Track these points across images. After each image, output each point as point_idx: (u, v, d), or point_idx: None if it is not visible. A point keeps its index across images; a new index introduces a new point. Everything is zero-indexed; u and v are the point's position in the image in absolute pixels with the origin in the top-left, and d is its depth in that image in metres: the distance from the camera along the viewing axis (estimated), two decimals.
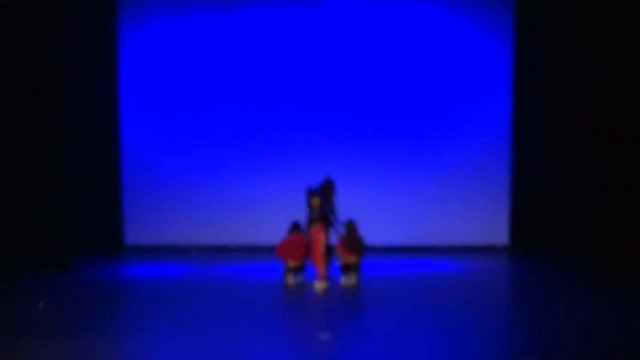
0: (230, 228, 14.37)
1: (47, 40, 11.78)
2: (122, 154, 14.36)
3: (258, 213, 14.12)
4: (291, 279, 10.65)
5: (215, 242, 14.46)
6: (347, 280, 10.71)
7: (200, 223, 14.38)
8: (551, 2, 13.47)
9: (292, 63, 14.30)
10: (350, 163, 14.12)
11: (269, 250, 13.60)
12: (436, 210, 14.28)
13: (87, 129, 13.70)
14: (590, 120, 11.94)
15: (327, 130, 14.32)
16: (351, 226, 10.81)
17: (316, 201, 10.81)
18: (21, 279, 10.97)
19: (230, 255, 13.90)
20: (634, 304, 9.49)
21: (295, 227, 10.91)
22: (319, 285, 10.41)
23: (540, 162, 13.86)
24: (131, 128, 14.39)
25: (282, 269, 10.87)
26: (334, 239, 11.05)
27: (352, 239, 10.72)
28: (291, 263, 10.66)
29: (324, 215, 10.85)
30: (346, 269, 10.75)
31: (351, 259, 10.73)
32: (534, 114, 13.85)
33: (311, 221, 10.89)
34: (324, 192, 10.92)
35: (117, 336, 8.01)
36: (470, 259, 13.22)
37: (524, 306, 9.71)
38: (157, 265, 12.67)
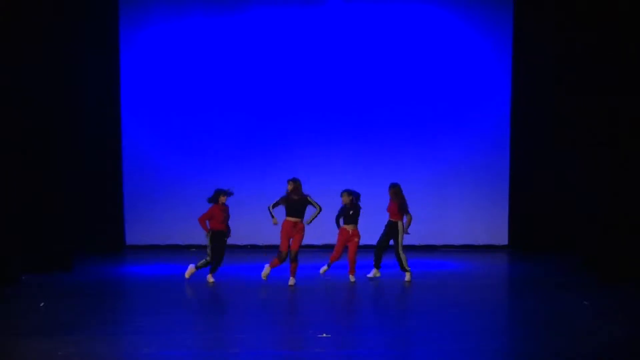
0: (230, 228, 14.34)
1: (47, 41, 11.76)
2: (123, 154, 14.37)
3: (258, 213, 14.07)
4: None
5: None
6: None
7: None
8: (551, 2, 13.46)
9: (292, 63, 14.31)
10: (350, 164, 14.13)
11: (269, 250, 13.65)
12: (436, 210, 14.28)
13: (88, 130, 13.70)
14: (589, 121, 11.93)
15: (327, 131, 14.34)
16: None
17: (347, 198, 10.94)
18: (23, 278, 10.99)
19: (230, 255, 13.88)
20: (632, 300, 9.50)
21: (218, 195, 10.85)
22: (352, 279, 10.95)
23: (539, 163, 13.85)
24: (131, 128, 14.40)
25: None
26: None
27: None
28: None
29: (355, 211, 10.98)
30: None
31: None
32: (534, 115, 13.85)
33: (346, 219, 10.99)
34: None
35: (118, 335, 8.02)
36: (470, 259, 13.23)
37: (523, 305, 9.72)
38: (158, 265, 12.68)
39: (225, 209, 10.87)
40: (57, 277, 11.34)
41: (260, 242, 14.21)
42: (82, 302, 9.72)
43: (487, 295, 10.21)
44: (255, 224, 13.99)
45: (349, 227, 11.02)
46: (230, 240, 14.31)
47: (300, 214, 10.66)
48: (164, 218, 14.39)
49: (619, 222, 10.99)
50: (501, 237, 14.33)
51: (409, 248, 14.10)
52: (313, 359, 7.24)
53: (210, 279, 10.85)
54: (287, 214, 10.72)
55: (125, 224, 14.49)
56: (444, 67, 14.22)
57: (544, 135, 13.80)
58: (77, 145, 13.14)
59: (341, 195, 11.03)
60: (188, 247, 14.45)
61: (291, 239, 10.66)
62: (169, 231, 14.43)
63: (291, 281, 10.71)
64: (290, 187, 10.67)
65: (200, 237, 14.38)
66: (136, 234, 14.49)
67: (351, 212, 11.00)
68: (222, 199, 10.79)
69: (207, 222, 10.84)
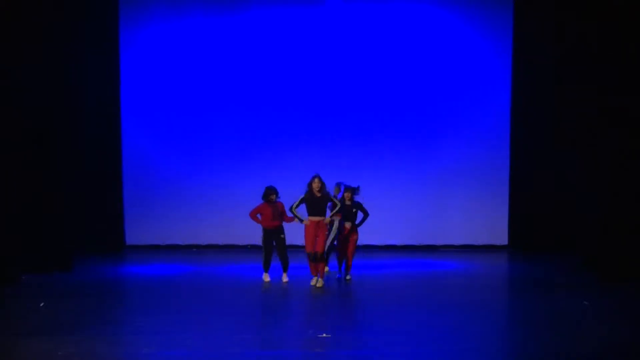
0: (230, 228, 14.38)
1: (47, 41, 11.77)
2: (123, 154, 14.38)
3: None
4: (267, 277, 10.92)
5: (215, 242, 14.47)
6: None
7: (200, 223, 14.38)
8: (551, 2, 13.46)
9: (292, 63, 14.32)
10: (350, 163, 14.13)
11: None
12: (436, 210, 14.28)
13: (88, 130, 13.70)
14: (589, 121, 11.94)
15: (327, 131, 14.34)
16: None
17: (348, 195, 10.81)
18: (23, 278, 10.99)
19: (230, 255, 13.91)
20: (632, 300, 9.51)
21: (267, 193, 10.72)
22: (349, 277, 10.92)
23: (539, 163, 13.85)
24: (131, 128, 14.40)
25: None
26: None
27: None
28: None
29: (355, 209, 10.84)
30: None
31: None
32: (534, 115, 13.85)
33: (344, 216, 10.79)
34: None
35: (118, 335, 8.03)
36: (470, 259, 13.23)
37: (523, 305, 9.72)
38: (158, 265, 12.69)
39: (275, 206, 10.68)
40: (57, 277, 11.34)
41: (260, 242, 14.14)
42: (82, 302, 9.72)
43: (487, 295, 10.21)
44: (256, 224, 13.97)
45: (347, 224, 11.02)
46: (230, 240, 14.49)
47: (322, 212, 10.48)
48: (164, 218, 14.40)
49: (619, 222, 11.00)
50: (501, 237, 14.33)
51: (409, 248, 14.22)
52: (313, 359, 7.24)
53: (265, 277, 10.89)
54: (310, 213, 10.50)
55: (125, 224, 14.50)
56: (444, 67, 14.23)
57: (544, 135, 13.80)
58: (77, 145, 13.13)
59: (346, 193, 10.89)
60: (188, 247, 14.48)
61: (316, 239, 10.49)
62: (169, 231, 14.44)
63: (319, 282, 10.53)
64: (316, 184, 10.39)
65: (200, 237, 14.57)
66: (136, 234, 14.50)
67: (354, 210, 10.95)
68: (272, 197, 10.64)
69: (260, 217, 10.75)
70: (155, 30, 14.33)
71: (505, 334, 8.41)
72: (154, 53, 14.36)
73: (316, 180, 10.41)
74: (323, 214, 10.49)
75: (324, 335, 7.90)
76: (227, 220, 14.39)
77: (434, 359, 7.13)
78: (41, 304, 9.35)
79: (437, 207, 14.28)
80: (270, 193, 10.66)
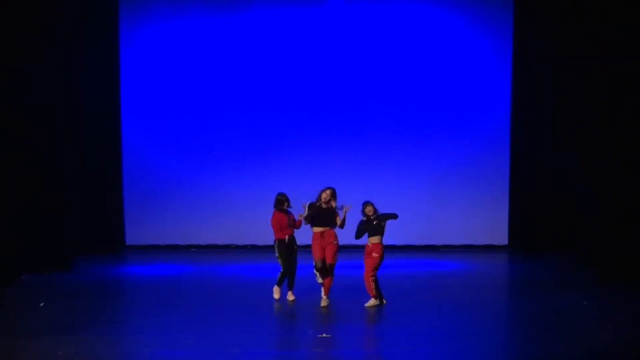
0: (230, 228, 14.38)
1: (47, 41, 11.78)
2: (123, 154, 14.36)
3: (258, 213, 14.11)
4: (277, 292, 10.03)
5: (215, 242, 14.47)
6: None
7: (200, 223, 14.38)
8: (551, 2, 13.47)
9: (292, 63, 14.30)
10: (350, 163, 14.12)
11: (268, 250, 13.64)
12: (437, 210, 14.28)
13: (88, 130, 13.70)
14: (589, 121, 11.95)
15: (327, 131, 14.32)
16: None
17: (370, 209, 9.67)
18: (23, 278, 10.99)
19: (230, 255, 13.92)
20: (632, 300, 9.51)
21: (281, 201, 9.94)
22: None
23: (539, 163, 13.85)
24: (131, 128, 14.38)
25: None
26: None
27: None
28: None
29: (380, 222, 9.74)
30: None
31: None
32: (534, 115, 13.84)
33: (371, 232, 9.70)
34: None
35: (118, 335, 8.03)
36: (470, 259, 13.23)
37: (523, 305, 9.73)
38: (158, 265, 12.69)
39: (288, 215, 9.89)
40: (57, 277, 11.34)
41: (260, 242, 14.18)
42: (82, 302, 9.73)
43: (487, 295, 10.22)
44: (255, 224, 13.99)
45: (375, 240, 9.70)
46: (230, 240, 14.49)
47: (327, 223, 9.71)
48: (164, 218, 14.39)
49: (619, 222, 11.00)
50: (501, 237, 14.32)
51: (409, 248, 14.21)
52: (313, 359, 7.25)
53: (289, 296, 9.85)
54: (314, 224, 9.75)
55: (125, 224, 14.48)
56: (444, 68, 14.21)
57: (544, 135, 13.79)
58: (77, 145, 13.13)
59: (364, 207, 9.70)
60: (188, 247, 14.47)
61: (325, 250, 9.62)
62: (169, 231, 14.43)
63: (324, 302, 9.60)
64: (326, 195, 9.68)
65: (200, 237, 14.56)
66: (136, 234, 14.48)
67: (375, 223, 9.71)
68: (285, 205, 9.86)
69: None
70: (155, 30, 14.32)
71: (505, 334, 8.42)
72: (154, 53, 14.34)
73: (328, 191, 9.72)
74: (329, 225, 9.72)
75: (324, 335, 7.91)
76: (227, 220, 14.37)
77: (434, 359, 7.14)
78: (41, 304, 9.36)
79: (437, 207, 14.26)
80: (284, 201, 9.89)
